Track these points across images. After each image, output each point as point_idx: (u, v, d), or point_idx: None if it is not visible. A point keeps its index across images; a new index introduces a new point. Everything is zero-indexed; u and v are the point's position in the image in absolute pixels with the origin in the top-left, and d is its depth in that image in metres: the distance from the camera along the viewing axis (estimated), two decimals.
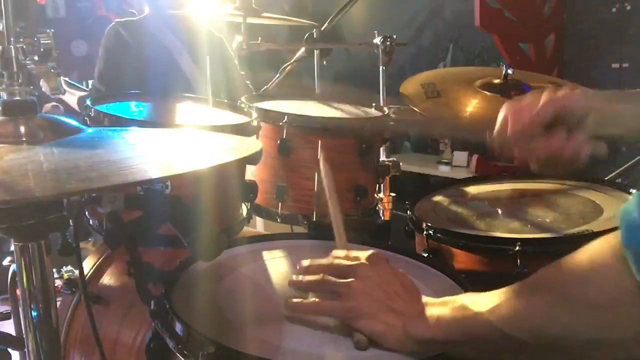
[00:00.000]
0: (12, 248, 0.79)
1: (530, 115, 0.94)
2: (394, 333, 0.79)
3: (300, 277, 0.89)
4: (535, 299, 0.69)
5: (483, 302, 0.75)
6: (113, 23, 2.45)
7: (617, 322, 0.63)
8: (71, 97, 2.50)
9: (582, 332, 0.65)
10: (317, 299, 0.86)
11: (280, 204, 1.45)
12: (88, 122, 1.25)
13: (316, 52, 2.04)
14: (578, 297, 0.66)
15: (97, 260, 1.38)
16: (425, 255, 1.26)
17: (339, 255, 0.91)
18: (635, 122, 0.94)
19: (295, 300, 0.86)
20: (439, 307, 0.80)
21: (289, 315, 0.86)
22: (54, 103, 2.49)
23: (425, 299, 0.84)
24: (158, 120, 1.45)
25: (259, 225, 2.47)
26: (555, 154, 0.93)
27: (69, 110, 2.48)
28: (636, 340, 0.63)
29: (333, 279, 0.86)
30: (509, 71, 1.56)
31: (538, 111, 0.94)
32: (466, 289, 0.98)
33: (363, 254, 0.89)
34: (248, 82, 2.64)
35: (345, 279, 0.84)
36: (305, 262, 0.92)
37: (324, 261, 0.91)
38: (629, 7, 2.93)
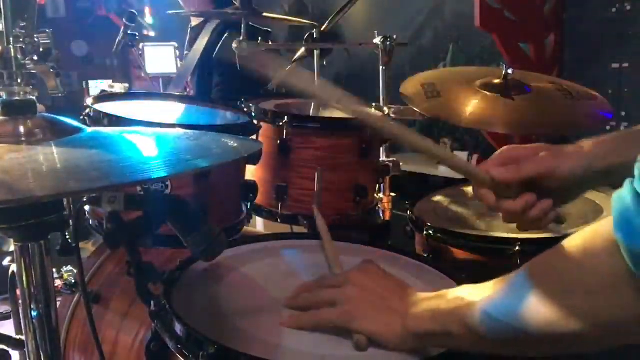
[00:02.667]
0: (12, 248, 0.79)
1: (514, 169, 0.97)
2: (393, 331, 0.79)
3: (295, 296, 0.90)
4: (530, 286, 0.69)
5: (478, 292, 0.75)
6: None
7: (610, 306, 0.63)
8: None
9: (577, 318, 0.65)
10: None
11: (280, 204, 1.45)
12: (88, 122, 1.25)
13: (316, 52, 2.04)
14: (573, 282, 0.66)
15: (97, 260, 1.38)
16: (425, 255, 1.26)
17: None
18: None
19: (292, 315, 0.87)
20: (435, 300, 0.80)
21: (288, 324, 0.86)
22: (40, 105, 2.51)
23: (420, 294, 0.84)
24: (158, 120, 1.45)
25: (259, 225, 2.47)
26: (517, 214, 0.98)
27: None
28: (628, 326, 0.63)
29: (326, 289, 0.86)
30: (509, 71, 1.56)
31: (523, 167, 0.96)
32: None
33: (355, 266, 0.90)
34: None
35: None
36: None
37: (317, 280, 0.92)
38: (629, 7, 2.93)
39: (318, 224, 1.18)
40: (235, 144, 0.84)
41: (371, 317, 0.81)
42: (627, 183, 0.61)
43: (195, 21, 2.88)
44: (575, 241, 0.67)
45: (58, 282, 1.35)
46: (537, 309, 0.67)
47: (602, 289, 0.63)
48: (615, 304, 0.63)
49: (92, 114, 1.24)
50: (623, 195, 0.61)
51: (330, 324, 0.84)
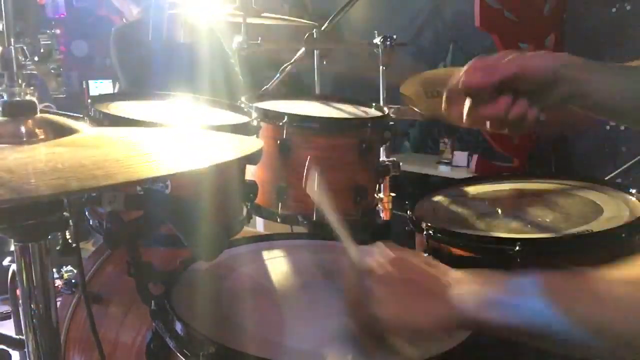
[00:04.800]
0: (12, 248, 0.79)
1: (487, 73, 0.93)
2: (438, 317, 0.75)
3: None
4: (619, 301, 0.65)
5: (559, 290, 0.70)
6: (114, 29, 2.51)
7: None
8: None
9: None
10: None
11: (280, 204, 1.45)
12: (88, 122, 1.25)
13: (316, 52, 2.04)
14: None
15: (97, 260, 1.38)
16: (426, 255, 1.26)
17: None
18: (606, 97, 0.92)
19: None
20: (480, 286, 0.76)
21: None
22: (46, 103, 2.51)
23: (461, 279, 0.79)
24: (158, 120, 1.45)
25: (259, 225, 2.47)
26: (499, 118, 0.94)
27: None
28: None
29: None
30: None
31: (495, 70, 0.93)
32: None
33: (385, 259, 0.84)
34: (241, 77, 2.65)
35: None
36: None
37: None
38: (629, 7, 2.93)
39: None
40: (235, 144, 0.84)
41: (410, 307, 0.77)
42: None
43: None
44: None
45: (58, 282, 1.35)
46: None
47: None
48: None
49: (92, 114, 1.24)
50: None
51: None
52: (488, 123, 0.97)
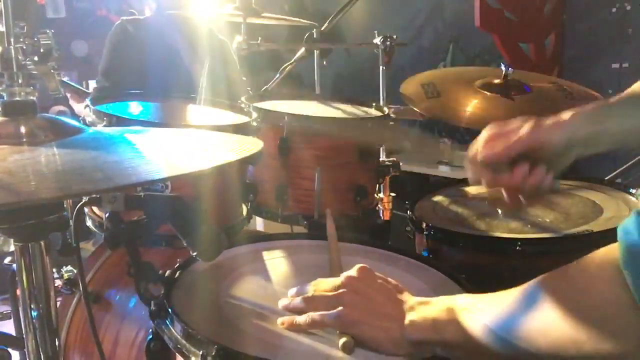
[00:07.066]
0: (12, 248, 0.79)
1: (504, 145, 0.99)
2: (391, 337, 0.79)
3: (291, 299, 0.89)
4: (536, 307, 0.68)
5: (481, 307, 0.74)
6: (119, 21, 2.49)
7: (617, 334, 0.63)
8: (78, 106, 2.54)
9: (584, 343, 0.64)
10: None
11: (280, 204, 1.45)
12: (88, 122, 1.25)
13: (316, 52, 2.04)
14: (581, 308, 0.65)
15: (97, 260, 1.38)
16: (425, 255, 1.26)
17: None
18: (619, 137, 0.99)
19: (287, 318, 0.86)
20: (433, 307, 0.80)
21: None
22: (61, 108, 2.51)
23: (416, 299, 0.84)
24: (158, 120, 1.45)
25: (259, 225, 2.47)
26: (517, 186, 1.00)
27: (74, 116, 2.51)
28: (636, 353, 0.63)
29: (323, 293, 0.86)
30: (509, 71, 1.56)
31: (512, 144, 0.99)
32: (466, 289, 0.98)
33: (351, 270, 0.89)
34: (249, 88, 2.65)
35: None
36: (294, 290, 0.92)
37: (313, 283, 0.91)
38: (629, 7, 2.93)
39: (328, 226, 1.17)
40: (235, 145, 0.84)
41: (368, 323, 0.81)
42: (633, 215, 0.60)
43: None
44: (584, 266, 0.66)
45: (58, 282, 1.35)
46: (545, 333, 0.67)
47: (610, 317, 0.63)
48: (621, 333, 0.62)
49: (92, 113, 1.24)
50: (629, 229, 0.60)
51: (326, 326, 0.83)
52: (505, 192, 1.04)
